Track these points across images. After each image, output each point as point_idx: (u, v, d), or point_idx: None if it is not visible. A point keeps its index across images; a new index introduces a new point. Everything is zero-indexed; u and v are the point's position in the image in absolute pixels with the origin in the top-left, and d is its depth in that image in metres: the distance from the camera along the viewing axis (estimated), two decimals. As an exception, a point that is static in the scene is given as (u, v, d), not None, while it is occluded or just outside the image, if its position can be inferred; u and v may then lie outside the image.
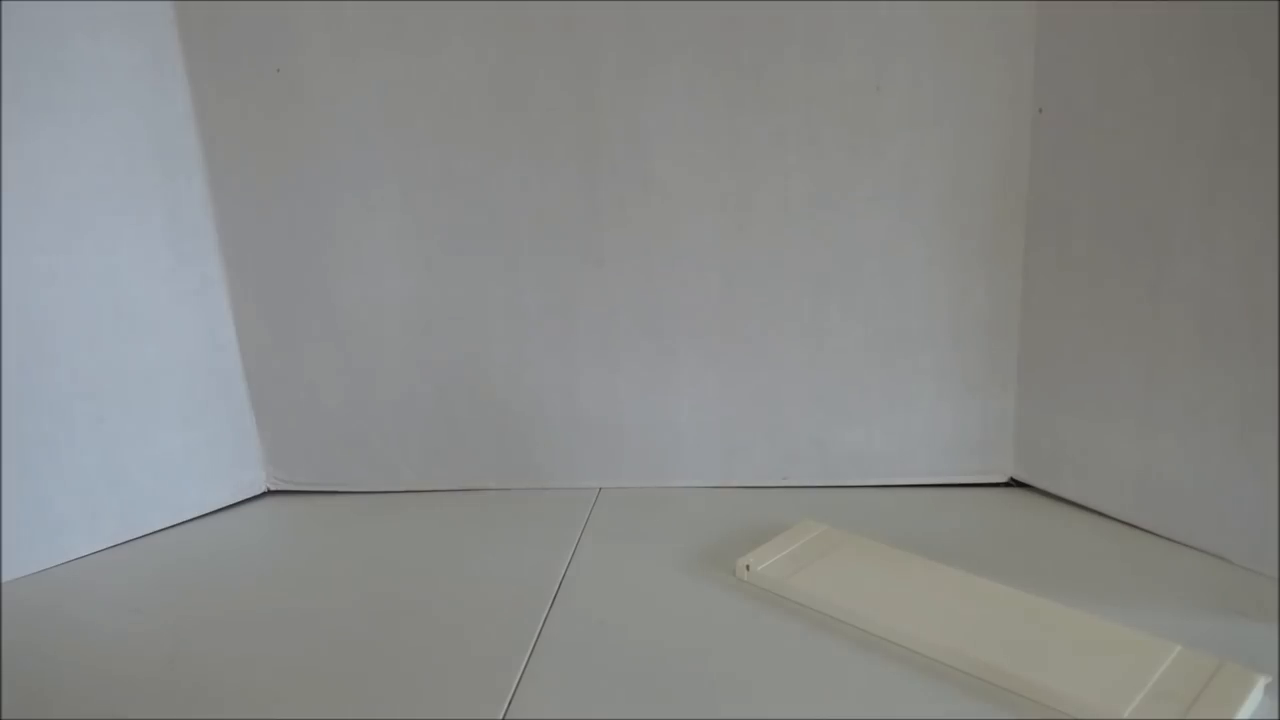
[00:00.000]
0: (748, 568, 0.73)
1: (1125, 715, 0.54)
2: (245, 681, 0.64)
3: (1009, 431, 0.90)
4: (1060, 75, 0.79)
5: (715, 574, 0.75)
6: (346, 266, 0.90)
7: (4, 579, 0.80)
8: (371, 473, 0.96)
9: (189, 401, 0.90)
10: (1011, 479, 0.91)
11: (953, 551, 0.73)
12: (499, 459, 0.95)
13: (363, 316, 0.92)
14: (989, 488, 0.91)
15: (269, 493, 0.97)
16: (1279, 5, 0.63)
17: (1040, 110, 0.81)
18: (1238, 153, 0.67)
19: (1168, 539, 0.78)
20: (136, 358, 0.86)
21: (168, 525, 0.90)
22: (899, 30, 0.81)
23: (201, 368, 0.91)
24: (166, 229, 0.86)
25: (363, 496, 0.95)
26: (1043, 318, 0.85)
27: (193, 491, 0.92)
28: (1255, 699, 0.55)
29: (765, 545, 0.76)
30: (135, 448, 0.87)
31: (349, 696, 0.62)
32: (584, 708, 0.59)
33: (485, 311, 0.91)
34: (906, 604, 0.67)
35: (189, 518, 0.91)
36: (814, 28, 0.81)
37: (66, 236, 0.80)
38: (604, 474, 0.95)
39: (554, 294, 0.90)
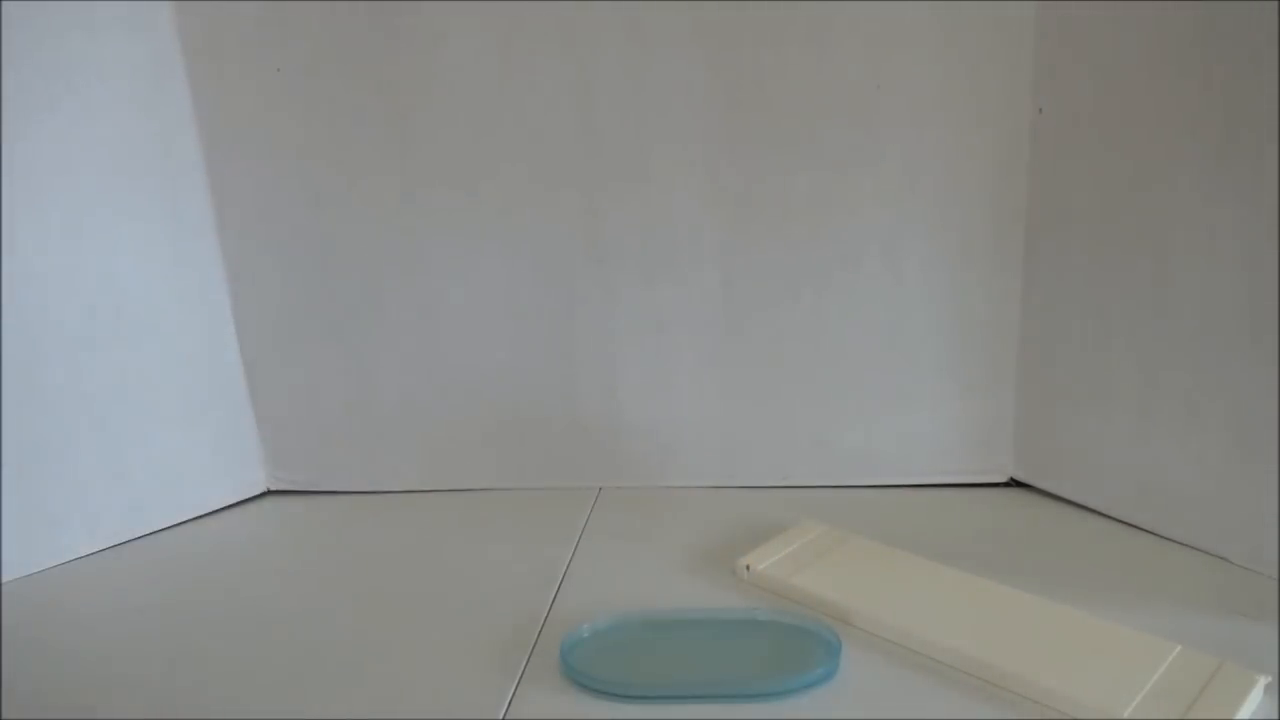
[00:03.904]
0: (748, 568, 0.73)
1: (1125, 715, 0.54)
2: (245, 681, 0.64)
3: (1009, 431, 0.90)
4: (1060, 75, 0.79)
5: (715, 574, 0.75)
6: (347, 266, 0.90)
7: (4, 579, 0.80)
8: (371, 473, 0.96)
9: (189, 401, 0.90)
10: (1011, 479, 0.91)
11: (953, 551, 0.73)
12: (499, 459, 0.95)
13: (363, 317, 0.92)
14: (989, 488, 0.91)
15: (269, 493, 0.97)
16: (1279, 5, 0.63)
17: (1040, 110, 0.81)
18: (1238, 153, 0.67)
19: (1168, 539, 0.78)
20: (136, 358, 0.86)
21: (168, 525, 0.90)
22: (899, 30, 0.81)
23: (201, 368, 0.91)
24: (166, 229, 0.86)
25: (363, 496, 0.95)
26: (1042, 317, 0.85)
27: (193, 491, 0.92)
28: (1255, 699, 0.55)
29: (765, 545, 0.76)
30: (135, 448, 0.87)
31: (348, 696, 0.62)
32: (584, 708, 0.59)
33: (485, 311, 0.91)
34: (906, 604, 0.67)
35: (189, 518, 0.91)
36: (814, 28, 0.81)
37: (66, 236, 0.80)
38: (604, 474, 0.95)
39: (554, 293, 0.90)
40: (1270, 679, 0.56)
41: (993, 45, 0.81)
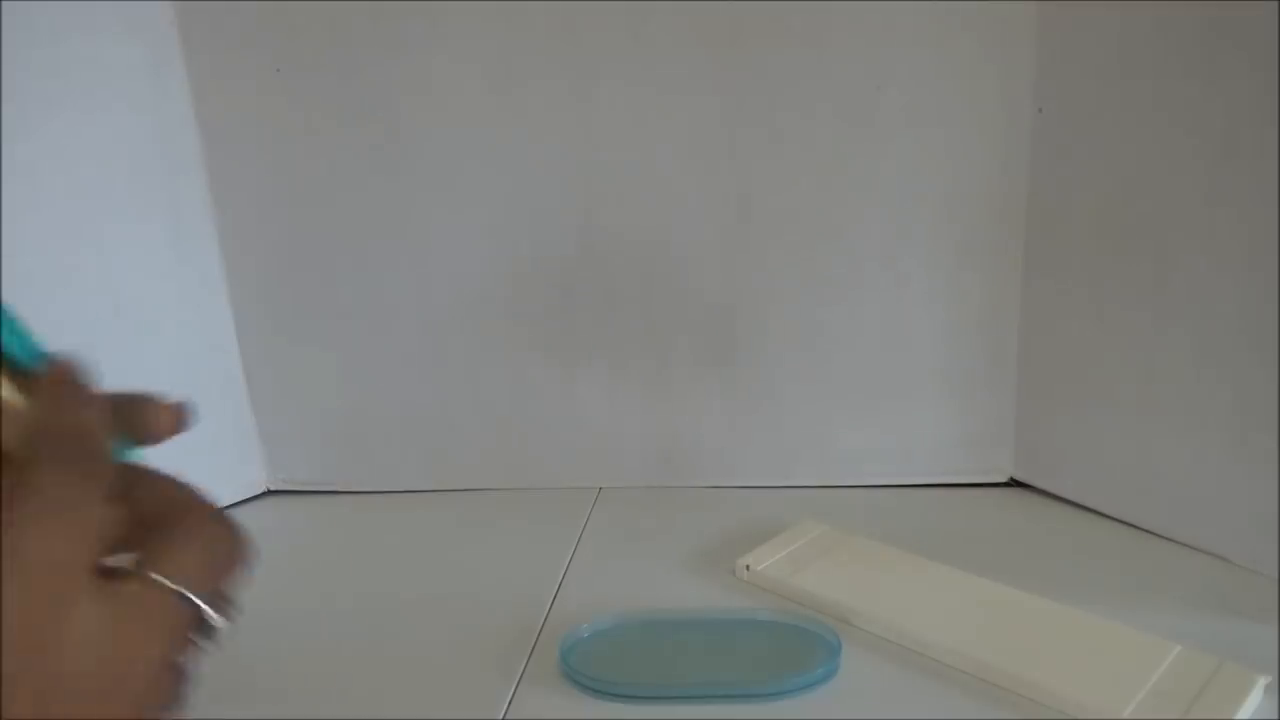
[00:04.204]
0: (748, 568, 0.73)
1: (1125, 715, 0.54)
2: (244, 681, 0.64)
3: (1009, 431, 0.90)
4: (1060, 75, 0.79)
5: (715, 574, 0.75)
6: (347, 266, 0.90)
7: (4, 579, 0.80)
8: (371, 473, 0.96)
9: (188, 401, 0.90)
10: (1011, 479, 0.91)
11: (953, 551, 0.73)
12: (499, 459, 0.95)
13: (363, 316, 0.91)
14: (989, 488, 0.91)
15: (269, 493, 0.97)
16: (1279, 5, 0.63)
17: (1040, 110, 0.81)
18: (1238, 153, 0.67)
19: (1168, 539, 0.78)
20: (136, 358, 0.86)
21: (168, 525, 0.89)
22: (899, 30, 0.81)
23: (201, 368, 0.91)
24: (166, 229, 0.86)
25: (363, 496, 0.95)
26: (1042, 317, 0.85)
27: (192, 491, 0.91)
28: (1255, 699, 0.55)
29: (765, 545, 0.76)
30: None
31: (348, 696, 0.62)
32: (584, 708, 0.59)
33: (485, 310, 0.91)
34: (906, 604, 0.67)
35: (189, 518, 0.91)
36: (814, 28, 0.81)
37: (66, 236, 0.80)
38: (604, 474, 0.95)
39: (553, 293, 0.90)
40: (1270, 679, 0.56)
41: (993, 45, 0.81)
